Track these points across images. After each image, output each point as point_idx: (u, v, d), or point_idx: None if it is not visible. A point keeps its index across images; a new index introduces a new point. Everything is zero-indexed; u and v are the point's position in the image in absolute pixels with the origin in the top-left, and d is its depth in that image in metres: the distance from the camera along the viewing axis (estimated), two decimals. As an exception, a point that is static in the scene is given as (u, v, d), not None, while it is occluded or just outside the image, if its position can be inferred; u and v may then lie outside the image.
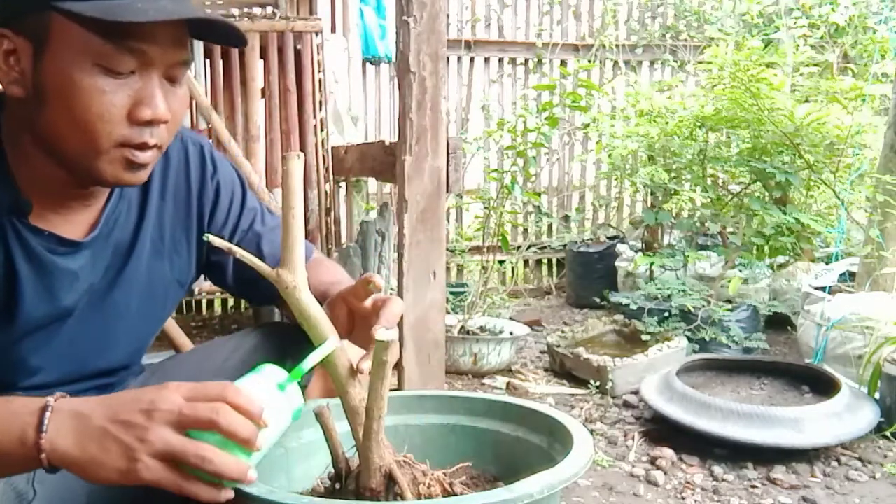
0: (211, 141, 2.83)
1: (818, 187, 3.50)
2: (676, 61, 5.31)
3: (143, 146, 0.97)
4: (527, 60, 5.11)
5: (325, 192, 3.07)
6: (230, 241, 1.22)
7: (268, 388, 0.88)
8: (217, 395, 0.81)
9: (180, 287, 1.25)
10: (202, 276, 1.34)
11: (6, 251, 1.00)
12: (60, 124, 0.94)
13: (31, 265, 1.02)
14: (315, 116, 3.03)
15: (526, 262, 5.13)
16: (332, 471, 1.03)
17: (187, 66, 1.00)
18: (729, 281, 3.33)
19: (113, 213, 1.11)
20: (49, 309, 1.06)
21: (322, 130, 3.05)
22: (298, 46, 2.98)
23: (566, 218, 5.22)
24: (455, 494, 0.98)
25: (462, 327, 3.20)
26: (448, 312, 3.25)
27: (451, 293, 3.74)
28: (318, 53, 3.02)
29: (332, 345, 0.92)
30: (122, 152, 0.96)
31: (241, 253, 0.94)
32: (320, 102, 3.04)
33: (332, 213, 3.10)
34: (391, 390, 1.01)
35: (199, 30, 1.00)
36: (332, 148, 3.10)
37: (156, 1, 0.91)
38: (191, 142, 1.21)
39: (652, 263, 3.63)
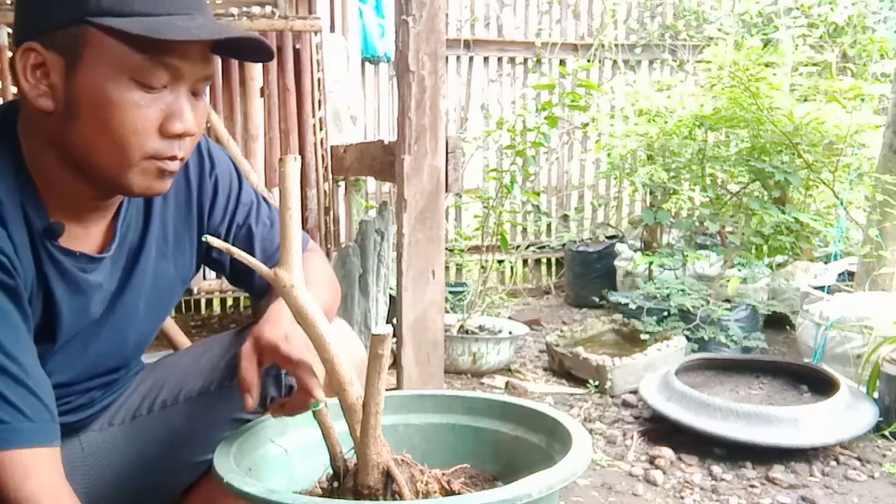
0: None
1: (817, 187, 3.51)
2: (675, 61, 5.31)
3: (172, 158, 0.99)
4: (526, 60, 5.11)
5: (324, 192, 3.07)
6: (227, 235, 1.23)
7: None
8: None
9: (182, 284, 1.26)
10: (202, 276, 1.35)
11: (42, 275, 1.01)
12: (92, 137, 0.95)
13: (66, 285, 1.04)
14: (314, 115, 3.02)
15: (525, 262, 5.13)
16: (331, 470, 1.03)
17: (210, 80, 1.02)
18: (728, 280, 3.33)
19: (125, 218, 1.12)
20: (83, 323, 1.09)
21: (321, 130, 3.05)
22: (297, 46, 2.97)
23: (565, 217, 5.22)
24: (453, 493, 0.98)
25: (461, 326, 3.20)
26: (447, 312, 3.26)
27: (450, 292, 3.74)
28: (317, 53, 3.02)
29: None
30: (152, 164, 0.98)
31: (239, 254, 0.95)
32: (319, 102, 3.04)
33: (331, 213, 3.10)
34: (390, 390, 1.01)
35: (224, 47, 1.02)
36: (331, 147, 3.10)
37: (193, 20, 0.94)
38: None
39: (651, 263, 3.63)
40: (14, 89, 2.78)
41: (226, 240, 1.22)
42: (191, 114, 0.98)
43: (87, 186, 1.01)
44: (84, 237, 1.06)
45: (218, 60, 2.91)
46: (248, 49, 1.04)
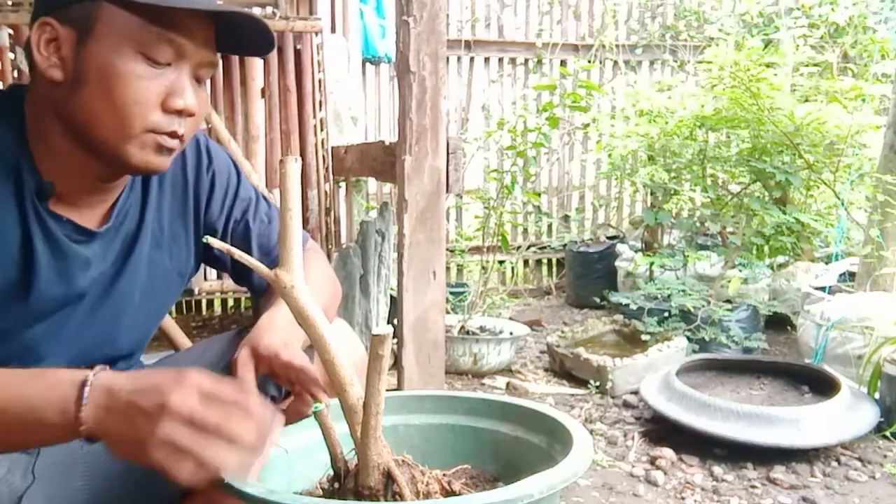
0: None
1: (818, 187, 3.50)
2: (676, 61, 5.31)
3: (172, 134, 1.02)
4: (527, 60, 5.11)
5: (325, 192, 3.07)
6: (224, 230, 1.25)
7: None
8: (233, 401, 0.84)
9: (181, 278, 1.27)
10: (202, 277, 1.36)
11: (25, 231, 1.04)
12: (96, 107, 0.98)
13: (48, 247, 1.06)
14: (315, 116, 3.03)
15: (526, 262, 5.13)
16: (332, 471, 1.03)
17: (213, 69, 1.06)
18: (729, 281, 3.33)
19: (124, 205, 1.14)
20: (62, 291, 1.09)
21: (322, 130, 3.05)
22: (298, 46, 2.97)
23: (566, 218, 5.22)
24: (454, 493, 0.98)
25: (462, 327, 3.20)
26: (448, 312, 3.26)
27: (451, 293, 3.74)
28: (318, 53, 3.02)
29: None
30: (152, 137, 1.01)
31: (239, 254, 0.96)
32: (320, 102, 3.04)
33: (332, 213, 3.10)
34: (390, 390, 1.01)
35: (227, 41, 1.06)
36: (332, 148, 3.10)
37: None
38: None
39: (652, 263, 3.63)
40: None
41: (223, 235, 1.25)
42: (192, 94, 1.02)
43: (89, 159, 1.03)
44: (78, 214, 1.08)
45: (220, 61, 2.91)
46: (250, 39, 1.07)
